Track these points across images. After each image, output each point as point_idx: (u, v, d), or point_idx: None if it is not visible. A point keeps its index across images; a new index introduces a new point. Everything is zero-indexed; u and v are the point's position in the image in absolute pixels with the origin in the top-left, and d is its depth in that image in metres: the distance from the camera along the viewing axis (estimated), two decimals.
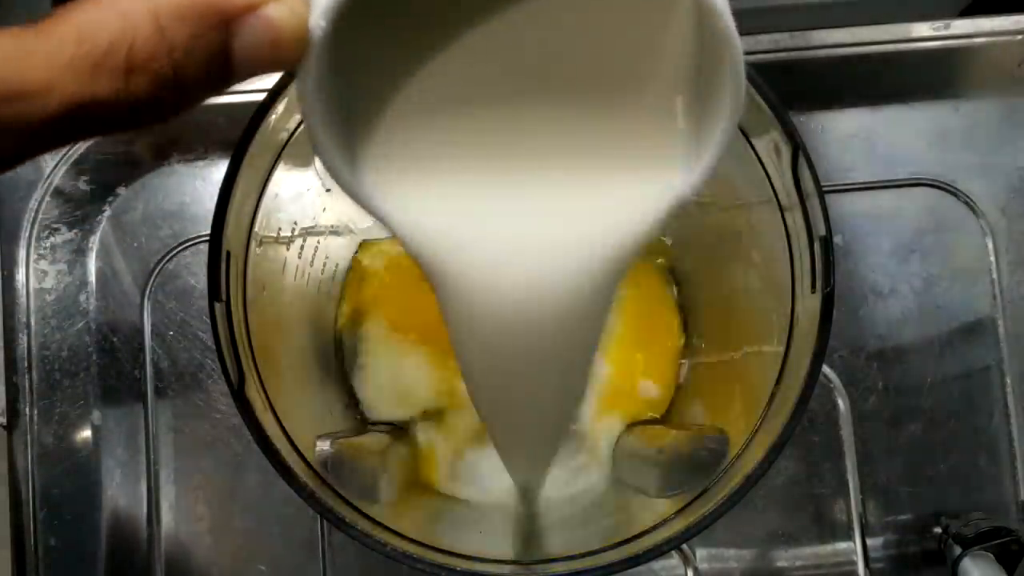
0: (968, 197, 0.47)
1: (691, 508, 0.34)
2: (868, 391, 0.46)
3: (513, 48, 0.22)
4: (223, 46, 0.19)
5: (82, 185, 0.46)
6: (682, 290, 0.45)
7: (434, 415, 0.44)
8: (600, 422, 0.44)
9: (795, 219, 0.33)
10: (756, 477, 0.31)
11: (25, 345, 0.45)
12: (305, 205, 0.40)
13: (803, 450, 0.46)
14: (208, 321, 0.35)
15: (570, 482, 0.43)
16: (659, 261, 0.45)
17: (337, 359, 0.45)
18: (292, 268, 0.40)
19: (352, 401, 0.44)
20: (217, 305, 0.31)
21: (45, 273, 0.46)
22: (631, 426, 0.43)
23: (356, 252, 0.45)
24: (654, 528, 0.34)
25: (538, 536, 0.41)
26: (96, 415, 0.46)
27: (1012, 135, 0.48)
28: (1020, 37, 0.46)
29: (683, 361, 0.44)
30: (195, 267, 0.46)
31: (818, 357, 0.32)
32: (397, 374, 0.44)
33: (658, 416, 0.44)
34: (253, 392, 0.32)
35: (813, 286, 0.32)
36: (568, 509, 0.43)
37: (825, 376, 0.46)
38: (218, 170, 0.47)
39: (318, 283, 0.43)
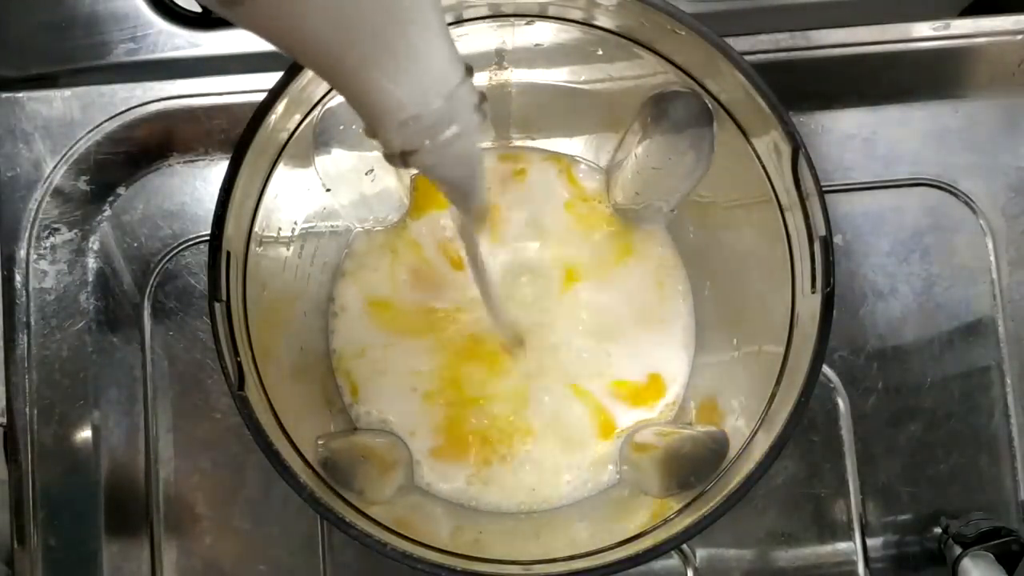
0: (968, 197, 0.47)
1: (691, 508, 0.34)
2: (868, 391, 0.46)
3: None
4: None
5: (82, 185, 0.46)
6: None
7: (432, 414, 0.44)
8: (605, 423, 0.44)
9: (795, 219, 0.33)
10: (756, 477, 0.31)
11: (25, 345, 0.45)
12: (305, 205, 0.40)
13: (803, 450, 0.46)
14: (208, 321, 0.35)
15: (578, 485, 0.43)
16: (671, 260, 0.45)
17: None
18: (292, 268, 0.40)
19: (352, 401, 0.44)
20: (217, 305, 0.31)
21: (45, 273, 0.46)
22: (634, 427, 0.44)
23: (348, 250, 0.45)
24: (654, 528, 0.34)
25: (538, 536, 0.41)
26: (96, 415, 0.46)
27: (1012, 135, 0.48)
28: (1020, 37, 0.45)
29: (685, 361, 0.44)
30: (195, 267, 0.46)
31: (818, 357, 0.32)
32: (396, 373, 0.44)
33: (660, 416, 0.44)
34: (253, 392, 0.32)
35: (813, 286, 0.32)
36: (574, 510, 0.43)
37: (825, 376, 0.46)
38: (218, 170, 0.47)
39: (319, 283, 0.43)
